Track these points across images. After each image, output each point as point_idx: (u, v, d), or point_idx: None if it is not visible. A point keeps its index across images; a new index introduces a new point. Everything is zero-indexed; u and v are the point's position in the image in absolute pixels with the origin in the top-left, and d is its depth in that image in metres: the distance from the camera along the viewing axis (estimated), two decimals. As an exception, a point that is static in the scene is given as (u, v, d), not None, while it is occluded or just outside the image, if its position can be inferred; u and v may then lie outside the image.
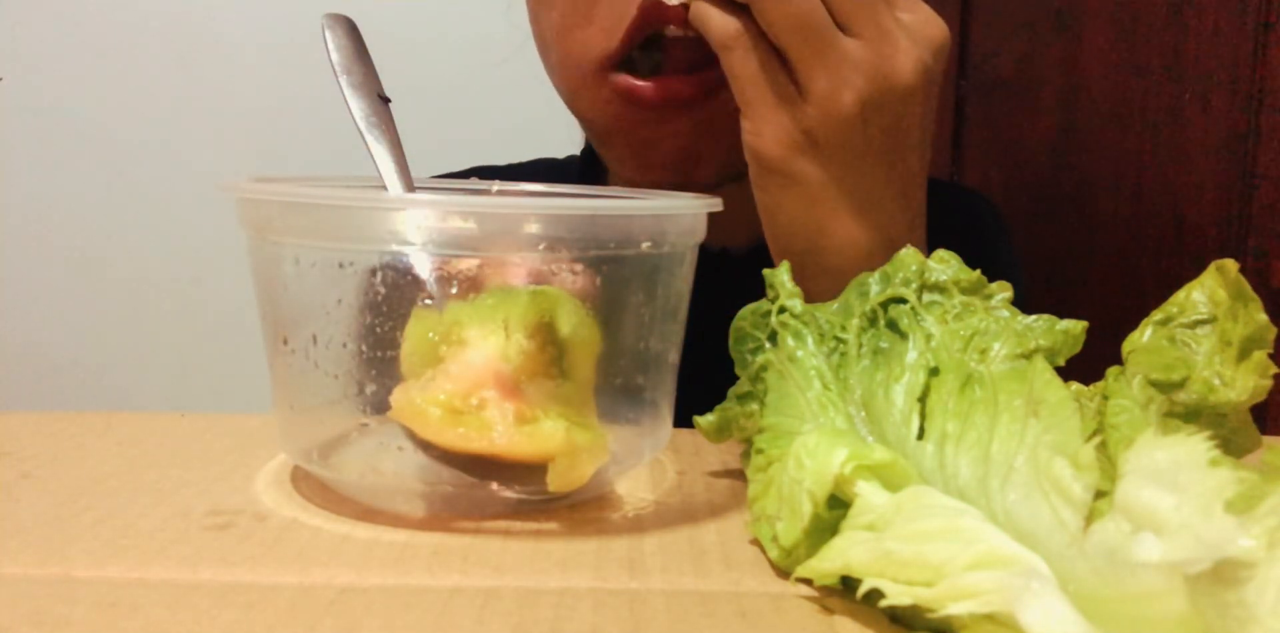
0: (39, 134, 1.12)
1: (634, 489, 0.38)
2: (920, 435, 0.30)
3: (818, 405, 0.33)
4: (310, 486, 0.37)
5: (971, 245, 0.60)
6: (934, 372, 0.31)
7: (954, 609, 0.24)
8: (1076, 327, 0.32)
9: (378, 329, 0.34)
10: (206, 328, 1.14)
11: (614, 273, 0.35)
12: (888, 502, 0.27)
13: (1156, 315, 0.32)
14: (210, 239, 1.07)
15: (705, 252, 0.39)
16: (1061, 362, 0.32)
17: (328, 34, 0.42)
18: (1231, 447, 0.30)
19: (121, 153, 1.13)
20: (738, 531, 0.34)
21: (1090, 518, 0.26)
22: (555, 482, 0.32)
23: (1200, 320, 0.31)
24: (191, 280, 1.13)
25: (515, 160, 0.76)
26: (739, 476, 0.39)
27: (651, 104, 0.51)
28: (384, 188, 0.39)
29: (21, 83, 1.12)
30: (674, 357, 0.39)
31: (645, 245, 0.35)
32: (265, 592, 0.28)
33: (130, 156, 1.13)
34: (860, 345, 0.34)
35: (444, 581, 0.29)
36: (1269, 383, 0.30)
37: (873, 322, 0.34)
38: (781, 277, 0.37)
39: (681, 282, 0.38)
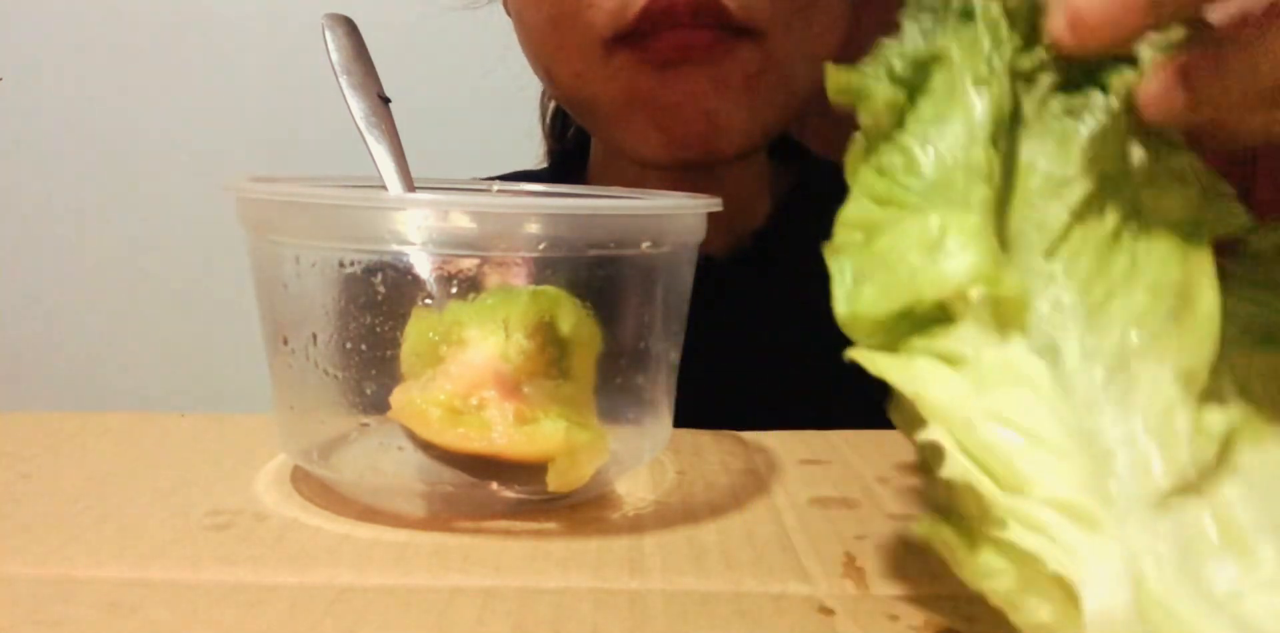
0: (39, 134, 1.12)
1: (634, 489, 0.38)
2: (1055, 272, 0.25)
3: (964, 175, 0.26)
4: (310, 486, 0.37)
5: None
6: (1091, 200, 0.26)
7: (1010, 533, 0.21)
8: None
9: (378, 329, 0.34)
10: (206, 328, 1.14)
11: (614, 273, 0.35)
12: (989, 361, 0.23)
13: None
14: (210, 239, 1.07)
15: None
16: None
17: (328, 34, 0.42)
18: None
19: (122, 153, 1.13)
20: (738, 530, 0.34)
21: (1183, 488, 0.23)
22: (555, 482, 0.32)
23: None
24: (191, 280, 1.13)
25: (514, 164, 0.75)
26: (739, 475, 0.39)
27: (667, 56, 0.51)
28: (384, 188, 0.39)
29: (21, 83, 1.12)
30: (674, 357, 0.39)
31: (645, 245, 0.35)
32: (265, 592, 0.28)
33: (130, 156, 1.13)
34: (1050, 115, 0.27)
35: (444, 581, 0.29)
36: None
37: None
38: None
39: (681, 282, 0.38)
